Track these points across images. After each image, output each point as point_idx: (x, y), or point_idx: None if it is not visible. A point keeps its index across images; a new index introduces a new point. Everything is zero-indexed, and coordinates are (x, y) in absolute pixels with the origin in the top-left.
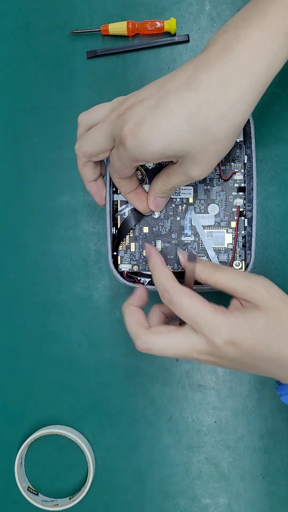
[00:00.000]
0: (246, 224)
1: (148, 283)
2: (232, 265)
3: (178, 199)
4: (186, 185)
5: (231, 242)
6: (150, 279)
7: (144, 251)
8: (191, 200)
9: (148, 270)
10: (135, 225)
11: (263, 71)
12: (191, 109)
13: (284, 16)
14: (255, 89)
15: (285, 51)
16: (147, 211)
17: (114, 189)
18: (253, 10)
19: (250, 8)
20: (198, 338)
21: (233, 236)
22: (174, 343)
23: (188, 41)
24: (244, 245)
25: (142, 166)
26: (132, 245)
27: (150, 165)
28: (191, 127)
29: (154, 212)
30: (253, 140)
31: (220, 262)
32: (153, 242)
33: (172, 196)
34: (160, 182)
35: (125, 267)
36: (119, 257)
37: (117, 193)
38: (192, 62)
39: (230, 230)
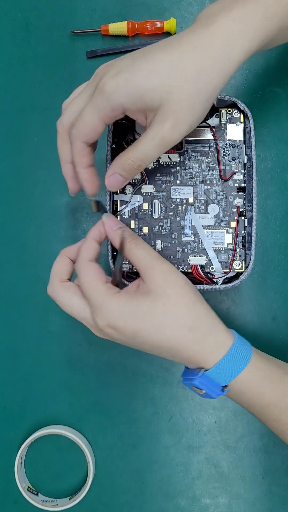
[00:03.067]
0: (246, 224)
1: None
2: (232, 265)
3: (178, 199)
4: (184, 185)
5: (231, 242)
6: None
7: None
8: (191, 200)
9: None
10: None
11: (239, 43)
12: (172, 60)
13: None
14: (232, 56)
15: (263, 30)
16: (93, 193)
17: None
18: None
19: None
20: (89, 312)
21: (233, 236)
22: (73, 306)
23: None
24: (244, 245)
25: None
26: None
27: (150, 165)
28: (171, 75)
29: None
30: (253, 140)
31: (220, 262)
32: (153, 242)
33: (172, 196)
34: (124, 155)
35: (125, 267)
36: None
37: (117, 193)
38: (177, 34)
39: (230, 230)
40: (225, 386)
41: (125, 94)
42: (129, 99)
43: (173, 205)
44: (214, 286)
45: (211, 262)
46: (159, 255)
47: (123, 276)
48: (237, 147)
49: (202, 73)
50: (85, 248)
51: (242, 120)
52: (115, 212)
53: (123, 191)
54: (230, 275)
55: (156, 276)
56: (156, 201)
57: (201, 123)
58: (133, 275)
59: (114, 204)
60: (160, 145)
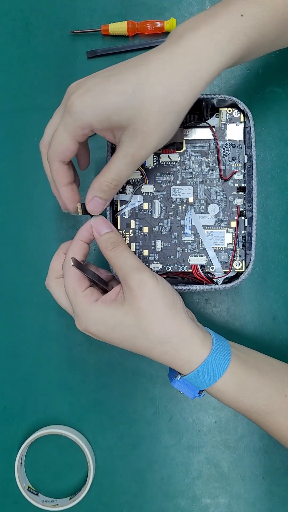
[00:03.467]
0: (246, 224)
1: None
2: (232, 265)
3: (178, 199)
4: (184, 185)
5: (231, 242)
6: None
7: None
8: (191, 200)
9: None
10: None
11: (209, 60)
12: (139, 80)
13: (232, 14)
14: (201, 74)
15: (232, 49)
16: (74, 210)
17: None
18: (211, 10)
19: (210, 8)
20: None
21: (233, 236)
22: (63, 302)
23: None
24: (244, 245)
25: (141, 165)
26: (132, 245)
27: (150, 165)
28: (138, 96)
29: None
30: (253, 140)
31: (220, 262)
32: (153, 242)
33: (172, 196)
34: (99, 178)
35: None
36: None
37: (117, 193)
38: (149, 51)
39: (230, 230)
40: (202, 391)
41: (92, 113)
42: (96, 119)
43: (173, 205)
44: (214, 286)
45: (211, 262)
46: (138, 264)
47: None
48: (237, 147)
49: (169, 93)
50: (71, 250)
51: (242, 120)
52: (115, 212)
53: (123, 191)
54: (230, 275)
55: (130, 287)
56: (156, 201)
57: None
58: None
59: (114, 204)
60: (132, 163)
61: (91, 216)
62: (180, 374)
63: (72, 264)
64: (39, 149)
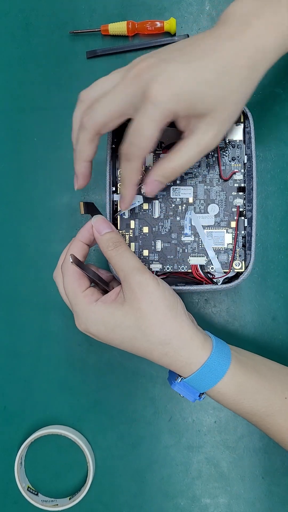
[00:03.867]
0: (246, 224)
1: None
2: (232, 265)
3: (178, 199)
4: (184, 185)
5: (231, 242)
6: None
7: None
8: (191, 200)
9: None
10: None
11: (273, 51)
12: (219, 69)
13: None
14: (265, 61)
15: None
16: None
17: (114, 189)
18: None
19: None
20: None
21: (233, 236)
22: (64, 298)
23: None
24: (244, 245)
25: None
26: (132, 245)
27: (150, 165)
28: (221, 85)
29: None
30: (253, 140)
31: (220, 262)
32: (152, 242)
33: (172, 196)
34: (164, 163)
35: None
36: None
37: (117, 193)
38: (212, 33)
39: (230, 230)
40: (202, 393)
41: (177, 102)
42: (182, 107)
43: (173, 205)
44: (214, 286)
45: (211, 262)
46: (139, 265)
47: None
48: (237, 147)
49: (243, 83)
50: (71, 250)
51: (242, 120)
52: (115, 212)
53: None
54: (230, 275)
55: (131, 288)
56: (156, 201)
57: None
58: None
59: (114, 204)
60: (203, 152)
61: (92, 216)
62: (180, 376)
63: (71, 261)
64: (72, 121)
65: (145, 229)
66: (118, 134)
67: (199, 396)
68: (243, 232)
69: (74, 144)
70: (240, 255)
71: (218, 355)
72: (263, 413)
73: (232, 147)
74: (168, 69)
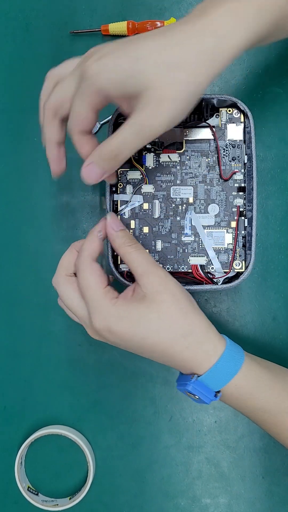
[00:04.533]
0: (246, 224)
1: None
2: (232, 265)
3: (178, 199)
4: (184, 185)
5: (231, 242)
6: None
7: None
8: (191, 200)
9: None
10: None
11: (231, 35)
12: (159, 47)
13: None
14: (222, 49)
15: (256, 25)
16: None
17: (114, 189)
18: None
19: None
20: (87, 312)
21: (233, 236)
22: (73, 302)
23: None
24: (244, 245)
25: (141, 165)
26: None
27: (150, 165)
28: (156, 62)
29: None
30: (253, 140)
31: (220, 262)
32: (153, 242)
33: (172, 196)
34: (101, 145)
35: (125, 267)
36: (119, 257)
37: (117, 193)
38: (173, 23)
39: (230, 230)
40: (218, 392)
41: (108, 77)
42: (111, 82)
43: (173, 205)
44: (214, 286)
45: (211, 262)
46: (155, 261)
47: (124, 276)
48: (237, 147)
49: (189, 64)
50: (88, 245)
51: (242, 120)
52: (115, 212)
53: (123, 191)
54: (230, 275)
55: (152, 282)
56: (156, 201)
57: (193, 122)
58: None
59: (114, 204)
60: (139, 133)
61: (106, 213)
62: (195, 375)
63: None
64: (38, 105)
65: (145, 229)
66: None
67: (214, 395)
68: (243, 232)
69: (41, 123)
70: (240, 255)
71: (233, 348)
72: (274, 410)
73: (232, 147)
74: (105, 48)
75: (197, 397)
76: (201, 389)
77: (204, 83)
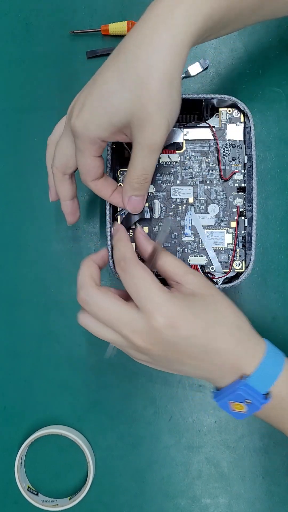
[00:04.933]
0: (246, 224)
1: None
2: (232, 265)
3: (178, 199)
4: (184, 185)
5: (231, 242)
6: None
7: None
8: (191, 200)
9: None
10: (134, 224)
11: (184, 23)
12: (120, 69)
13: None
14: (180, 38)
15: (206, 8)
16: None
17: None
18: None
19: None
20: (138, 315)
21: (233, 236)
22: (115, 310)
23: None
24: (244, 245)
25: None
26: (133, 245)
27: None
28: (125, 86)
29: (144, 212)
30: (253, 140)
31: (220, 262)
32: None
33: (172, 196)
34: (127, 178)
35: None
36: None
37: None
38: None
39: (230, 230)
40: (267, 394)
41: (94, 126)
42: (99, 130)
43: (173, 205)
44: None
45: (211, 262)
46: None
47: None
48: (237, 147)
49: (152, 71)
50: (130, 248)
51: (242, 120)
52: (115, 212)
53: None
54: (230, 275)
55: (198, 279)
56: (156, 201)
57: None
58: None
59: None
60: (151, 152)
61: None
62: (243, 376)
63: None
64: (46, 166)
65: (145, 229)
66: None
67: (264, 397)
68: (243, 232)
69: (50, 185)
70: (240, 255)
71: (271, 343)
72: None
73: (232, 147)
74: (79, 100)
75: (244, 407)
76: (251, 392)
77: (177, 77)
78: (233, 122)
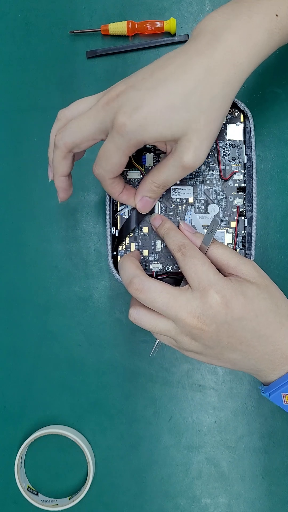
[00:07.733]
0: (246, 224)
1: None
2: None
3: (178, 199)
4: (184, 185)
5: (231, 242)
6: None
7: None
8: (191, 200)
9: (148, 270)
10: (136, 226)
11: (247, 63)
12: (187, 91)
13: (268, 14)
14: (239, 75)
15: (267, 49)
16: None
17: None
18: (242, 3)
19: (239, 1)
20: (193, 295)
21: (233, 236)
22: (170, 291)
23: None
24: (244, 245)
25: (141, 165)
26: (132, 245)
27: (150, 165)
28: (188, 107)
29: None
30: (253, 140)
31: None
32: (153, 242)
33: (172, 196)
34: (149, 179)
35: (154, 267)
36: (119, 257)
37: None
38: (183, 50)
39: (230, 230)
40: None
41: (144, 132)
42: (149, 136)
43: (173, 205)
44: None
45: None
46: None
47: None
48: (237, 147)
49: (215, 101)
50: (184, 236)
51: (242, 120)
52: (115, 212)
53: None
54: None
55: (252, 268)
56: (156, 201)
57: None
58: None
59: (114, 204)
60: (182, 172)
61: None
62: None
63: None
64: (49, 138)
65: (145, 229)
66: None
67: None
68: (243, 232)
69: (50, 159)
70: None
71: None
72: None
73: (232, 147)
74: (134, 98)
75: None
76: None
77: (227, 111)
78: (233, 122)
